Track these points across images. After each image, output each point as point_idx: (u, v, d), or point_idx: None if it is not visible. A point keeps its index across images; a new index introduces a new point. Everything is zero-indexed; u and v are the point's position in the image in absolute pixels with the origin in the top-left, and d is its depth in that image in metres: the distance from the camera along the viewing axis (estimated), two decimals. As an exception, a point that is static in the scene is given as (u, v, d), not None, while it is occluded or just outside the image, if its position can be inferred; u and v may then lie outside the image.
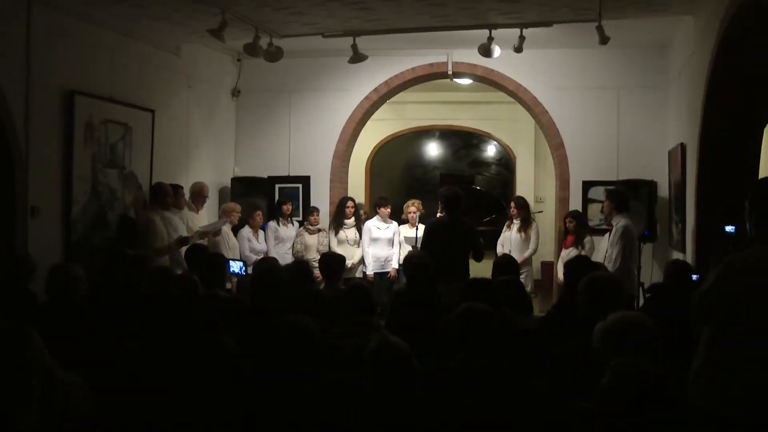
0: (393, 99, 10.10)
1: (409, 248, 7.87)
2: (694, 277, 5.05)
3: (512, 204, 8.60)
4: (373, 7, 6.66)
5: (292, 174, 9.48)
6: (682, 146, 7.22)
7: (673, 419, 2.55)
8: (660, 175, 8.38)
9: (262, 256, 7.76)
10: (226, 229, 7.93)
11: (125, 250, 5.73)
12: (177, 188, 7.50)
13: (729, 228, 5.46)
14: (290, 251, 8.43)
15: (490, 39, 7.35)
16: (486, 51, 7.43)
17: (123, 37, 7.34)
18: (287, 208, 8.63)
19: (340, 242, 8.41)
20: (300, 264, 5.79)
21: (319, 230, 8.58)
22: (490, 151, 14.44)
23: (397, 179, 14.21)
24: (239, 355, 3.37)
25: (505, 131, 13.21)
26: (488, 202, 12.70)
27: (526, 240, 8.24)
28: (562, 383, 3.32)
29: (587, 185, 8.81)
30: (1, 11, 5.88)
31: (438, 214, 7.30)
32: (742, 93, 6.07)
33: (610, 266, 6.29)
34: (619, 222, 6.52)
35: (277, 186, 9.41)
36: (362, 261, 8.46)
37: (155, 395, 3.17)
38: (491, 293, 4.36)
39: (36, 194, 6.18)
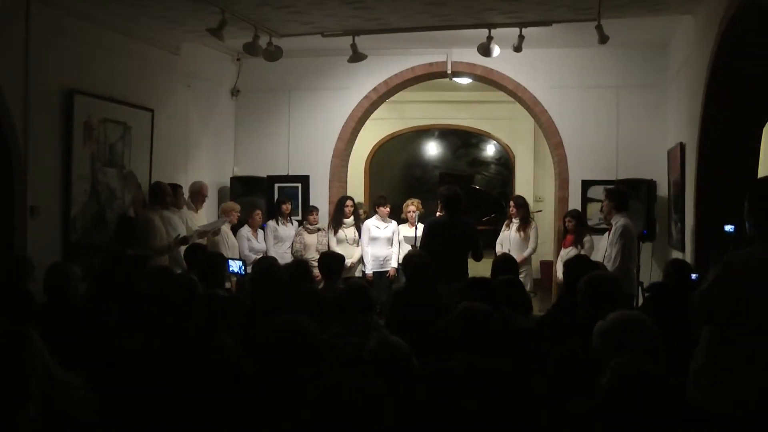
0: (392, 98, 10.10)
1: (409, 247, 7.87)
2: (694, 276, 5.05)
3: (511, 203, 8.61)
4: (372, 6, 6.66)
5: (291, 173, 9.49)
6: (682, 145, 7.22)
7: (672, 419, 2.55)
8: (659, 174, 8.39)
9: (262, 255, 7.75)
10: (226, 228, 7.93)
11: (125, 249, 5.72)
12: (176, 188, 7.49)
13: (728, 227, 5.46)
14: (289, 250, 8.43)
15: (490, 38, 7.36)
16: (485, 50, 7.44)
17: (122, 36, 7.33)
18: (286, 207, 8.63)
19: (339, 241, 8.41)
20: (299, 263, 5.78)
21: (319, 229, 8.58)
22: (490, 150, 14.46)
23: (396, 178, 14.22)
24: (239, 354, 3.37)
25: (504, 130, 13.21)
26: (487, 201, 12.73)
27: (526, 239, 8.24)
28: (561, 383, 3.32)
29: (586, 184, 8.82)
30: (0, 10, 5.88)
31: (437, 214, 7.30)
32: (741, 92, 6.07)
33: (609, 265, 6.29)
34: (618, 221, 6.52)
35: (276, 185, 9.41)
36: (361, 260, 8.46)
37: (155, 395, 3.16)
38: (490, 293, 4.36)
39: (35, 194, 6.18)
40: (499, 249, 8.31)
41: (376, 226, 8.48)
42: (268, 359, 2.90)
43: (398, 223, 8.62)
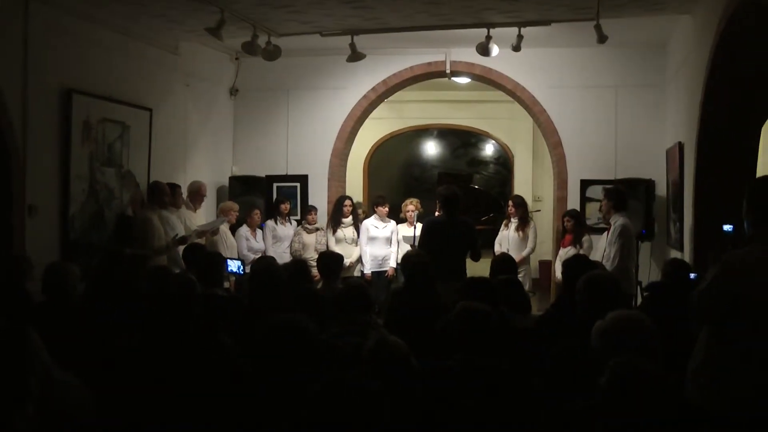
0: (391, 98, 10.10)
1: (408, 247, 7.87)
2: (692, 275, 5.05)
3: (510, 203, 8.61)
4: (371, 5, 6.65)
5: (290, 173, 9.48)
6: (680, 145, 7.22)
7: (671, 418, 2.55)
8: (658, 173, 8.39)
9: (260, 255, 7.76)
10: (224, 228, 7.92)
11: (123, 249, 5.71)
12: (174, 187, 7.49)
13: (727, 227, 5.46)
14: (288, 250, 8.43)
15: (489, 38, 7.36)
16: (484, 50, 7.44)
17: (121, 35, 7.32)
18: (285, 207, 8.62)
19: (338, 241, 8.40)
20: (298, 263, 5.78)
21: (317, 229, 8.58)
22: (488, 150, 14.45)
23: (395, 178, 14.22)
24: (237, 354, 3.37)
25: (503, 130, 13.21)
26: (486, 200, 12.73)
27: (524, 239, 8.25)
28: (560, 382, 3.32)
29: (585, 184, 8.82)
30: (-2, 9, 5.88)
31: (436, 213, 7.30)
32: (740, 92, 6.07)
33: (608, 265, 6.29)
34: (617, 221, 6.52)
35: (275, 185, 9.41)
36: (360, 260, 8.46)
37: (153, 395, 3.16)
38: (489, 292, 4.36)
39: (33, 193, 6.17)
40: (498, 248, 8.31)
41: (374, 225, 8.48)
42: (267, 359, 2.90)
43: (397, 223, 8.63)
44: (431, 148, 14.70)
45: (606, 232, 6.79)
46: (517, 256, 7.48)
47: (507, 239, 8.33)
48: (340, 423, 2.21)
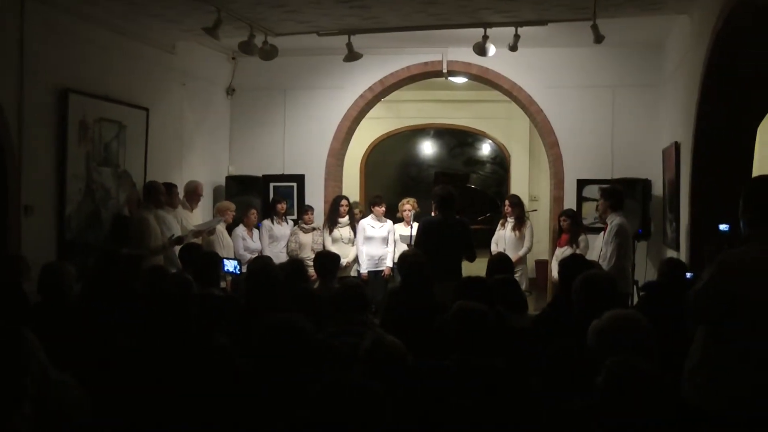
0: (388, 97, 10.09)
1: (405, 246, 7.86)
2: (688, 275, 5.05)
3: (506, 202, 8.61)
4: (368, 5, 6.65)
5: (286, 172, 9.48)
6: (677, 145, 7.24)
7: (667, 418, 2.56)
8: (654, 173, 8.40)
9: (257, 254, 7.75)
10: (221, 227, 7.92)
11: (119, 249, 5.71)
12: (171, 187, 7.48)
13: (723, 226, 5.46)
14: (285, 250, 8.42)
15: (485, 37, 7.36)
16: (481, 49, 7.44)
17: (117, 34, 7.31)
18: (282, 206, 8.62)
19: (334, 241, 8.40)
20: (294, 263, 5.78)
21: (314, 229, 8.58)
22: (485, 149, 14.45)
23: (392, 178, 14.21)
24: (234, 354, 3.36)
25: (499, 130, 13.22)
26: (483, 200, 12.73)
27: (521, 238, 8.26)
28: (557, 382, 3.32)
29: (582, 184, 8.83)
30: (-6, 8, 5.87)
31: (432, 213, 7.30)
32: (736, 92, 6.08)
33: (604, 264, 6.30)
34: (613, 220, 6.53)
35: (271, 184, 9.40)
36: (356, 260, 8.46)
37: (150, 395, 3.16)
38: (486, 292, 4.36)
39: (29, 193, 6.16)
40: (495, 248, 8.31)
41: (371, 225, 8.48)
42: (264, 359, 2.90)
43: (394, 222, 8.63)
44: (428, 148, 14.69)
45: (602, 232, 6.80)
46: (513, 256, 7.47)
47: (503, 239, 8.34)
48: (340, 423, 2.21)
